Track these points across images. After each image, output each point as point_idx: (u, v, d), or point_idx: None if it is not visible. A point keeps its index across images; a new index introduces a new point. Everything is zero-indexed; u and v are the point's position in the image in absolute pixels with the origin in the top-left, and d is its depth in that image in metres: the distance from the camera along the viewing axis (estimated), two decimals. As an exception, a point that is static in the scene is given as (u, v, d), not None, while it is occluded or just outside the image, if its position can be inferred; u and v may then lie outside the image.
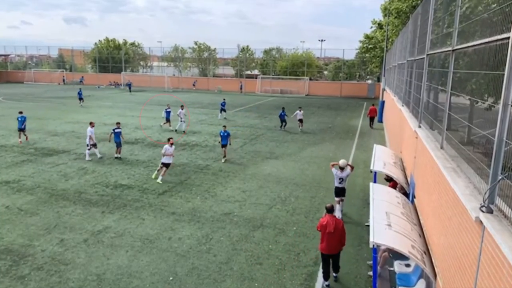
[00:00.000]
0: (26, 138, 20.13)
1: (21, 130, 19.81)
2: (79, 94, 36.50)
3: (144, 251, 8.93)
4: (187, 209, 11.48)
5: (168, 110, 24.82)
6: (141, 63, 73.57)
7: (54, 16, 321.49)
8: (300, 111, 25.70)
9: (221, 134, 17.16)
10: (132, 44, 72.62)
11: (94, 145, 16.85)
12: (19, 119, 19.70)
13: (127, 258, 8.58)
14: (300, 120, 25.42)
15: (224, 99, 31.52)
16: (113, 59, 68.76)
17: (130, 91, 53.27)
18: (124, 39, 72.03)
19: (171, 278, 7.87)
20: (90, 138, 16.60)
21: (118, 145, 16.96)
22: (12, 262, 8.33)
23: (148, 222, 10.52)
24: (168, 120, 24.54)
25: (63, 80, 66.93)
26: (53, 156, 17.37)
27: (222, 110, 29.97)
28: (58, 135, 22.02)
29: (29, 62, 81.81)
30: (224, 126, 17.80)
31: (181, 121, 23.89)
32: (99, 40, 71.35)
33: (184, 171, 15.40)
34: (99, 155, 16.98)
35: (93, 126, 17.00)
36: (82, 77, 66.69)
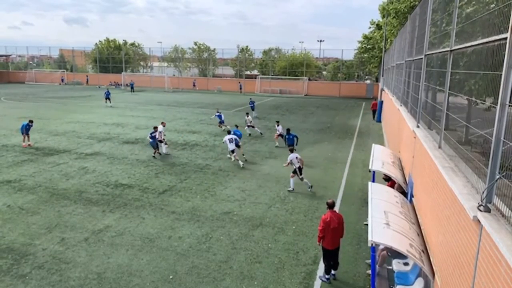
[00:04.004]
0: (30, 144, 19.44)
1: (27, 134, 19.35)
2: (106, 94, 37.11)
3: (144, 250, 8.97)
4: (187, 208, 11.53)
5: (218, 114, 24.87)
6: (141, 63, 73.61)
7: (54, 16, 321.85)
8: (277, 125, 20.84)
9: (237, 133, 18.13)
10: (132, 44, 72.61)
11: (161, 142, 17.79)
12: (27, 127, 19.11)
13: (128, 257, 8.62)
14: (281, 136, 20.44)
15: (250, 99, 33.80)
16: (114, 59, 68.83)
17: (132, 91, 53.34)
18: (124, 40, 72.14)
19: (171, 277, 7.91)
20: (162, 134, 17.87)
21: (155, 147, 17.27)
22: (13, 261, 8.37)
23: (148, 221, 10.57)
24: (221, 122, 24.48)
25: (62, 80, 66.96)
26: (54, 155, 17.41)
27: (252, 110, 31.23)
28: (59, 135, 22.05)
29: (30, 62, 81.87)
30: (236, 126, 19.21)
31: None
32: (100, 41, 71.47)
33: (184, 170, 15.45)
34: (165, 151, 17.87)
35: (164, 125, 18.66)
36: (87, 76, 66.95)
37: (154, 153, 17.40)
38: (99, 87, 61.27)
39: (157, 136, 17.51)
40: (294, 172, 13.19)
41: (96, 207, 11.46)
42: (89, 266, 8.22)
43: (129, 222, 10.47)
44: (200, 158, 17.47)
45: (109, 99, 36.97)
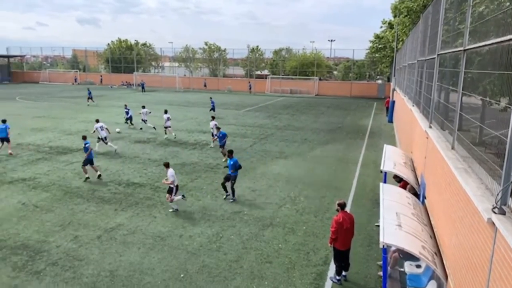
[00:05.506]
0: (10, 152, 17.40)
1: (5, 139, 17.37)
2: (89, 93, 37.95)
3: (155, 248, 9.06)
4: (197, 207, 11.60)
5: (126, 110, 25.52)
6: (153, 63, 74.29)
7: (68, 17, 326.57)
8: (213, 120, 20.31)
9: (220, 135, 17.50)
10: (144, 44, 73.31)
11: (100, 139, 18.11)
12: (1, 127, 17.40)
13: (139, 255, 8.72)
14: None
15: (211, 98, 33.49)
16: (125, 59, 69.56)
17: (143, 91, 53.84)
18: (136, 40, 72.87)
19: (182, 276, 7.98)
20: (94, 131, 18.09)
21: (91, 161, 14.31)
22: (28, 258, 8.54)
23: (160, 220, 10.67)
24: (129, 119, 25.19)
25: (75, 80, 68.00)
26: (67, 154, 17.69)
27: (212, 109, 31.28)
28: (72, 134, 22.38)
29: (44, 62, 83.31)
30: (218, 128, 18.34)
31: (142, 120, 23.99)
32: (112, 41, 72.26)
33: (195, 170, 15.54)
34: (109, 148, 18.22)
35: (98, 121, 18.57)
36: (101, 76, 67.92)
37: (87, 176, 13.87)
38: (111, 87, 62.01)
39: (103, 135, 17.87)
40: (170, 191, 11.17)
41: (108, 206, 11.62)
42: (102, 264, 8.34)
43: (141, 220, 10.59)
44: (211, 157, 17.55)
45: (91, 98, 37.54)
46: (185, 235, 9.74)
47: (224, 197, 12.33)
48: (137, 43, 72.17)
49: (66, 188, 13.12)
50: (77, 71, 70.89)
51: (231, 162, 12.27)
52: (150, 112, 24.53)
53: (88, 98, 37.44)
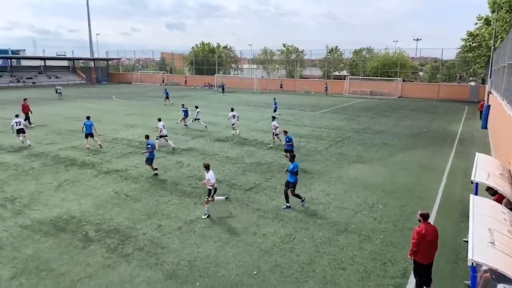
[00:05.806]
0: (100, 145, 19.46)
1: (89, 134, 19.21)
2: (166, 93, 41.02)
3: (230, 243, 9.40)
4: (271, 206, 11.75)
5: (184, 109, 26.47)
6: (233, 65, 77.27)
7: (158, 23, 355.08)
8: (232, 111, 23.72)
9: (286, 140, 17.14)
10: (225, 47, 76.67)
11: (162, 137, 19.12)
12: (86, 123, 19.16)
13: (215, 249, 9.13)
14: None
15: (274, 98, 34.26)
16: (208, 61, 73.39)
17: (223, 92, 56.20)
18: (217, 43, 76.68)
19: (255, 272, 8.16)
20: (161, 130, 19.13)
21: (152, 161, 14.96)
22: (119, 241, 9.47)
23: (235, 216, 11.05)
24: (186, 118, 26.20)
25: (162, 81, 73.52)
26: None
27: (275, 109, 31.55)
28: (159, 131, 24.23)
29: (137, 64, 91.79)
30: (286, 132, 17.44)
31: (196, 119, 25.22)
32: (196, 44, 76.94)
33: (269, 169, 15.77)
34: (172, 145, 19.26)
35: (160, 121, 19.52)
36: (185, 77, 72.58)
37: (155, 170, 14.90)
38: (194, 88, 65.79)
39: (165, 133, 18.96)
40: (209, 193, 10.99)
41: (189, 199, 12.35)
42: (181, 253, 8.90)
43: (218, 215, 11.06)
44: (285, 158, 17.59)
45: (167, 98, 40.22)
46: (258, 233, 9.95)
47: (284, 207, 11.68)
48: (218, 46, 75.76)
49: (152, 180, 14.26)
50: (164, 73, 76.69)
51: (291, 167, 11.59)
52: (201, 112, 26.03)
53: (166, 98, 40.51)
